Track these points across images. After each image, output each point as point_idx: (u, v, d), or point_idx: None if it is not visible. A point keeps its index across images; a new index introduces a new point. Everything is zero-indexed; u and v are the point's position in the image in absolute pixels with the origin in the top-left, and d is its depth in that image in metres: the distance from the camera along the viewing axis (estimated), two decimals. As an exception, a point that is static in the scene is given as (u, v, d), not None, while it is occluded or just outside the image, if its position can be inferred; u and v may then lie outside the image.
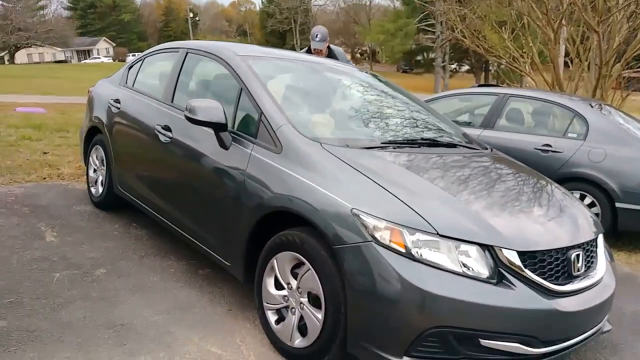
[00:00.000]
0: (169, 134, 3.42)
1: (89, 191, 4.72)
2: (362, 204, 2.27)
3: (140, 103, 3.96)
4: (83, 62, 63.76)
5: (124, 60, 64.63)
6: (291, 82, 3.57)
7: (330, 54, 5.46)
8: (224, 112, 2.88)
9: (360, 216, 2.23)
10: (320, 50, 5.36)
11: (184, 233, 3.32)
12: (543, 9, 8.18)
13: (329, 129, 3.09)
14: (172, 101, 3.65)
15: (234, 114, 3.05)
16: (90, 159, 4.68)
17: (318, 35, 5.38)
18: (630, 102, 10.13)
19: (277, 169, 2.62)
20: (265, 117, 2.83)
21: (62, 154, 6.69)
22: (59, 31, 61.80)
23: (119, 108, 4.16)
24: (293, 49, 67.14)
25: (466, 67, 52.64)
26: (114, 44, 74.85)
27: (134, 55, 66.89)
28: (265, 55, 3.76)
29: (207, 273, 3.46)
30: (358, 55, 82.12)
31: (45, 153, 6.67)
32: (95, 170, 4.63)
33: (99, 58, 65.32)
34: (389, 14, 56.34)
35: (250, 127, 2.92)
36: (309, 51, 5.47)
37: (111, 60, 64.77)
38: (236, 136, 2.93)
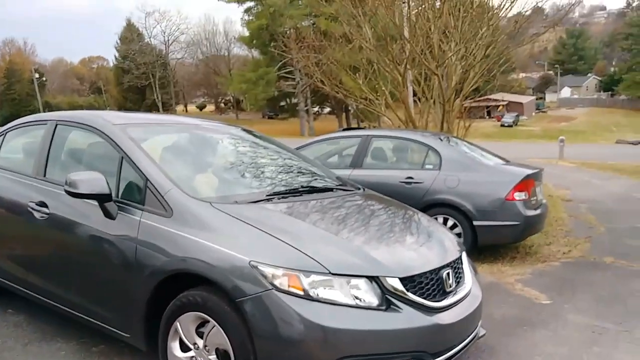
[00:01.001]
0: (45, 209, 3.29)
1: None
2: (259, 255, 2.43)
3: (7, 180, 3.75)
4: None
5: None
6: (171, 145, 3.65)
7: None
8: (107, 182, 2.89)
9: (259, 267, 2.38)
10: None
11: (72, 311, 3.19)
12: (389, 56, 9.12)
13: (215, 187, 3.23)
14: (44, 175, 3.53)
15: (117, 183, 3.05)
16: None
17: None
18: (475, 128, 11.52)
19: (170, 232, 2.69)
20: (151, 183, 2.88)
21: None
22: None
23: (-20, 188, 3.89)
24: (154, 104, 66.00)
25: (328, 109, 55.38)
26: (-53, 113, 67.27)
27: (-27, 123, 60.54)
28: (141, 121, 3.80)
29: (101, 349, 3.33)
30: (222, 104, 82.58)
31: None
32: (-44, 258, 4.21)
33: None
34: (248, 64, 57.72)
35: (136, 194, 2.95)
36: None
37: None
38: (122, 204, 2.94)
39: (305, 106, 50.39)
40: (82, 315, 3.14)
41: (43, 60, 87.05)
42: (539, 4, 9.30)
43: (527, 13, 9.66)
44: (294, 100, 52.76)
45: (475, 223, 5.67)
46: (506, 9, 8.96)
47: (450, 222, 5.82)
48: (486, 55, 8.82)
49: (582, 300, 4.53)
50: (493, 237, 5.77)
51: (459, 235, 5.72)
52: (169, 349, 2.66)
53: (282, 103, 57.12)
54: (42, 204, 3.32)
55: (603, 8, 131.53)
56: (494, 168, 6.12)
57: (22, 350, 3.32)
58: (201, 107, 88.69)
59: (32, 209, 3.36)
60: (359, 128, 8.76)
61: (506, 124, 53.74)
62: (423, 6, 9.12)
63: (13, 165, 3.94)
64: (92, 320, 3.08)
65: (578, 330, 3.85)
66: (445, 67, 8.90)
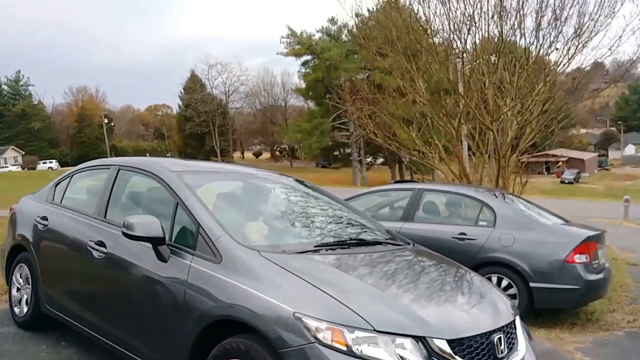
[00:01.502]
0: (102, 249, 3.43)
1: (12, 311, 4.48)
2: (303, 307, 2.41)
3: (70, 219, 3.95)
4: (-11, 171, 60.54)
5: (34, 168, 62.10)
6: (224, 193, 3.75)
7: None
8: (162, 226, 2.99)
9: (303, 319, 2.36)
10: None
11: (122, 349, 3.24)
12: (443, 110, 9.12)
13: (264, 235, 3.27)
14: (105, 217, 3.69)
15: (171, 227, 3.15)
16: (14, 277, 4.49)
17: None
18: (533, 185, 11.11)
19: (218, 278, 2.72)
20: (203, 229, 2.96)
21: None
22: (-38, 142, 59.28)
23: (46, 225, 4.11)
24: (213, 150, 68.37)
25: (381, 160, 55.51)
26: (23, 152, 72.14)
27: (45, 162, 64.29)
28: (197, 168, 3.95)
29: (146, 390, 3.34)
30: (277, 152, 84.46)
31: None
32: (18, 289, 4.44)
33: (7, 167, 62.32)
34: (304, 114, 59.26)
35: (188, 239, 3.03)
36: None
37: (20, 169, 62.04)
38: (174, 248, 3.02)
39: (359, 156, 50.77)
40: (131, 354, 3.18)
41: (112, 107, 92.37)
42: (598, 60, 9.10)
43: (587, 69, 9.45)
44: (348, 150, 53.35)
45: (531, 284, 5.43)
46: (564, 65, 8.81)
47: (504, 282, 5.59)
48: (543, 111, 8.64)
49: (648, 375, 4.19)
50: (551, 300, 5.49)
51: (513, 296, 5.48)
52: (210, 396, 2.64)
53: (336, 152, 57.88)
54: (101, 244, 3.46)
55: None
56: (552, 228, 5.88)
57: (71, 385, 3.39)
58: (257, 155, 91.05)
59: (91, 247, 3.51)
60: (410, 181, 8.71)
61: (566, 181, 51.91)
62: (478, 61, 9.12)
63: (77, 205, 4.16)
64: (139, 359, 3.12)
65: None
66: (501, 122, 8.79)
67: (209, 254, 2.85)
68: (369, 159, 55.28)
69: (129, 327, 3.23)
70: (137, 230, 2.96)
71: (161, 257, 2.99)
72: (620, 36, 8.15)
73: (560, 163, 56.85)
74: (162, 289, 2.96)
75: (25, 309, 4.31)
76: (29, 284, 4.27)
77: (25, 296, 4.35)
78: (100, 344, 3.46)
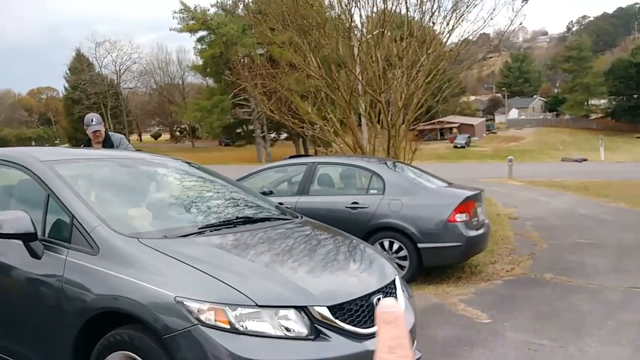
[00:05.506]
0: None
1: None
2: (185, 291, 2.42)
3: None
4: None
5: None
6: (103, 181, 3.60)
7: (107, 138, 5.73)
8: (32, 221, 2.82)
9: (184, 302, 2.37)
10: (99, 132, 5.61)
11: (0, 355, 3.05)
12: (335, 84, 9.30)
13: (146, 221, 3.19)
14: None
15: (44, 220, 2.98)
16: None
17: (94, 120, 5.70)
18: (430, 150, 11.75)
19: (96, 270, 2.64)
20: (77, 220, 2.83)
21: None
22: None
23: None
24: (106, 133, 64.60)
25: (285, 135, 55.59)
26: None
27: None
28: (72, 157, 3.75)
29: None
30: (178, 133, 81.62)
31: None
32: None
33: None
34: (203, 92, 57.56)
35: (62, 232, 2.89)
36: (89, 142, 5.61)
37: None
38: (48, 243, 2.87)
39: (262, 133, 50.47)
40: (7, 358, 3.01)
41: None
42: (477, 33, 9.67)
43: (471, 39, 9.99)
44: (250, 127, 52.75)
45: (419, 245, 5.78)
46: (444, 37, 9.31)
47: (395, 246, 5.91)
48: (427, 81, 9.10)
49: (521, 317, 4.66)
50: (437, 258, 5.89)
51: (404, 258, 5.82)
52: (97, 390, 2.59)
53: (239, 130, 57.00)
54: (-34, 245, 3.20)
55: (545, 33, 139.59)
56: (436, 191, 6.28)
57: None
58: (156, 136, 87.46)
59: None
60: (305, 155, 8.85)
61: (459, 145, 55.29)
62: (367, 36, 9.36)
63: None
64: (18, 364, 2.96)
65: (515, 348, 3.95)
66: (391, 93, 9.14)
67: (85, 245, 2.74)
68: (272, 135, 55.13)
69: (5, 330, 3.04)
70: (5, 227, 2.77)
71: (34, 254, 2.83)
72: (494, 9, 8.77)
73: (454, 129, 60.30)
74: (38, 287, 2.81)
75: None
76: None
77: None
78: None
